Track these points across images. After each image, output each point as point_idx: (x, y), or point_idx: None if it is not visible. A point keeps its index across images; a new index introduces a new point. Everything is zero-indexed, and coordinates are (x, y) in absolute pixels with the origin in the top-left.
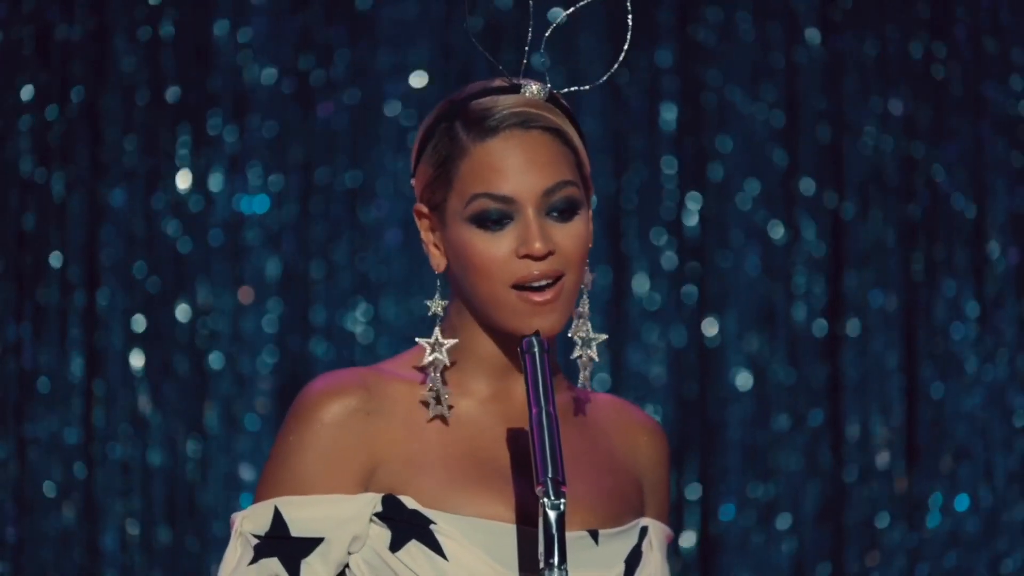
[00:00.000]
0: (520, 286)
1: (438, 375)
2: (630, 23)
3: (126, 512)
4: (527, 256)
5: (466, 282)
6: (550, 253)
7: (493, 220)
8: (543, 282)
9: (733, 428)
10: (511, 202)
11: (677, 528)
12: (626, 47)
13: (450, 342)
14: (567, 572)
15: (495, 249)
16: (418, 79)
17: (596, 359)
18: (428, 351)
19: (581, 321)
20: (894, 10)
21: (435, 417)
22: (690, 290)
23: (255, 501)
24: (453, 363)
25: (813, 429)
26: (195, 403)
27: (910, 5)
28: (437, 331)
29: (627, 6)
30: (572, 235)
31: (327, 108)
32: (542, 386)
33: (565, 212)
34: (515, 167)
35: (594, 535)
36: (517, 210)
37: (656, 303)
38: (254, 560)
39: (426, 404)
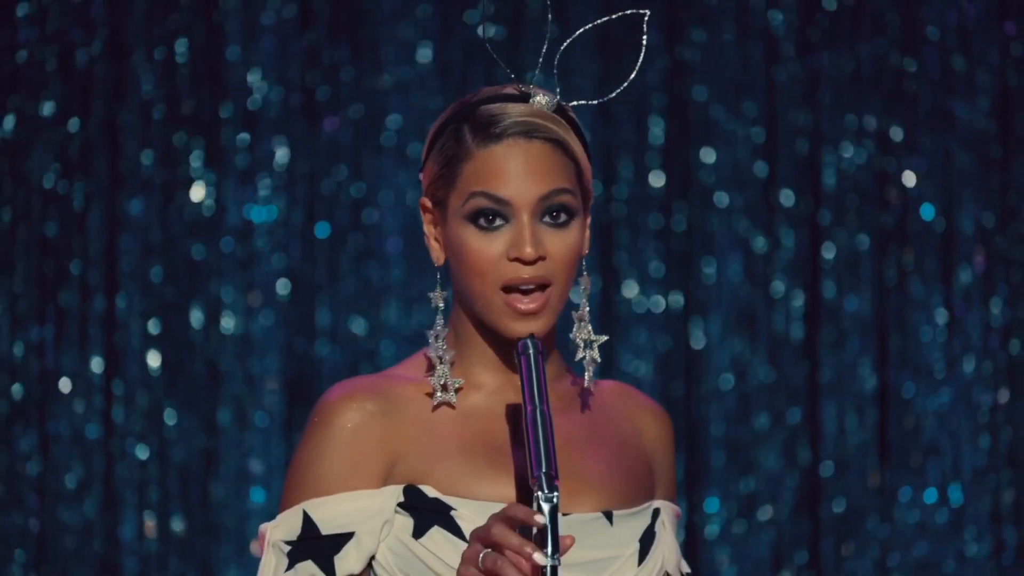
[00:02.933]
0: (508, 288)
1: (446, 365)
2: (644, 43)
3: (143, 504)
4: (517, 259)
5: (460, 278)
6: (540, 258)
7: (488, 220)
8: (530, 286)
9: (717, 425)
10: (507, 204)
11: None
12: (638, 65)
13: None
14: (560, 562)
15: (488, 249)
16: (418, 94)
17: (599, 360)
18: (433, 340)
19: (583, 324)
20: (867, 31)
21: (441, 404)
22: (676, 296)
23: (281, 511)
24: (457, 357)
25: (792, 426)
26: (208, 401)
27: (883, 26)
28: (440, 321)
29: (643, 29)
30: (564, 242)
31: (332, 122)
32: (537, 386)
33: (559, 219)
34: (514, 172)
35: (608, 516)
36: (512, 213)
37: (644, 308)
38: (289, 567)
39: (432, 393)
